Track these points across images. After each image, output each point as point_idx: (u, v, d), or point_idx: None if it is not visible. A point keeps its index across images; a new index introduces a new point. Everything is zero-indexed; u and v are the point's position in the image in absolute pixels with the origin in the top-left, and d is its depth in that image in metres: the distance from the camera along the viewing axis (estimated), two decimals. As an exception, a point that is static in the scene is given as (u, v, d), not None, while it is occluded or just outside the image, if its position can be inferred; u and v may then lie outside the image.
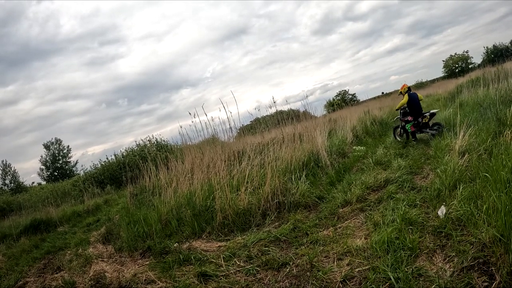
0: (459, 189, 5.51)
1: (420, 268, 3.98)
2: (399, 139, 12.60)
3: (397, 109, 12.53)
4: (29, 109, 66.54)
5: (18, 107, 65.80)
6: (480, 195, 4.93)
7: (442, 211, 5.23)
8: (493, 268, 3.62)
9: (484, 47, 55.29)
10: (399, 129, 12.79)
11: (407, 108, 12.20)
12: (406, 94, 12.04)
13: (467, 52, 57.15)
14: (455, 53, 58.41)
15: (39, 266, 8.36)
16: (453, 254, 4.10)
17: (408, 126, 11.99)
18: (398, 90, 12.66)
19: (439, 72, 60.10)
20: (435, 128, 11.66)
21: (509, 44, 52.81)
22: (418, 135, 12.26)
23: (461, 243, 4.24)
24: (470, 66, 54.48)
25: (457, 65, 56.92)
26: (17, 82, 65.76)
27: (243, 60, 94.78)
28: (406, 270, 3.94)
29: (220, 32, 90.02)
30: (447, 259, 4.08)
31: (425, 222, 5.13)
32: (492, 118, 8.93)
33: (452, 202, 5.24)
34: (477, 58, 57.91)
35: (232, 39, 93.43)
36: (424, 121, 11.84)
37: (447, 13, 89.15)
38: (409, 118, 12.01)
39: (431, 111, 12.10)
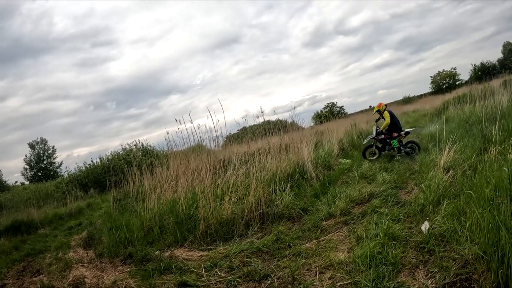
0: (443, 204, 5.55)
1: (402, 283, 3.97)
2: (370, 158, 12.39)
3: (381, 131, 12.34)
4: (16, 107, 65.67)
5: (5, 104, 64.86)
6: (463, 212, 4.97)
7: (425, 226, 5.24)
8: (475, 285, 3.63)
9: (471, 65, 55.92)
10: (373, 148, 12.63)
11: (380, 128, 12.25)
12: (387, 112, 12.08)
13: (454, 69, 57.77)
14: (443, 70, 59.02)
15: (18, 268, 8.23)
16: (436, 270, 4.10)
17: (394, 143, 11.97)
18: (383, 104, 12.47)
19: (427, 88, 60.46)
20: (408, 146, 11.86)
21: (497, 63, 53.50)
22: (384, 152, 12.34)
23: (443, 259, 4.25)
24: (457, 83, 54.99)
25: (444, 82, 57.45)
26: (7, 78, 64.81)
27: (233, 69, 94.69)
28: (388, 285, 3.94)
29: (211, 40, 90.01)
30: (430, 275, 4.08)
31: (408, 237, 5.12)
32: (477, 135, 9.04)
33: (436, 218, 5.27)
34: (464, 75, 58.41)
35: (223, 47, 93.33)
36: (399, 139, 11.93)
37: (436, 30, 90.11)
38: (394, 134, 12.01)
39: (406, 130, 12.26)
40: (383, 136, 12.19)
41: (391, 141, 12.06)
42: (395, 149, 11.94)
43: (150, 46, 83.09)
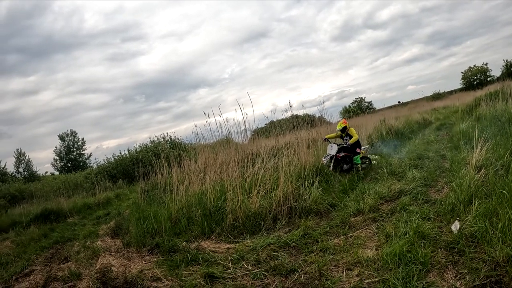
0: (474, 204, 5.40)
1: (431, 283, 3.92)
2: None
3: (349, 144, 11.50)
4: (48, 100, 66.90)
5: (38, 97, 66.25)
6: (495, 212, 4.84)
7: (456, 226, 5.15)
8: (506, 288, 3.55)
9: (503, 60, 54.20)
10: (330, 168, 10.84)
11: (347, 143, 11.54)
12: (353, 129, 11.38)
13: (486, 64, 56.27)
14: (474, 65, 57.58)
15: (47, 255, 8.44)
16: (465, 271, 4.04)
17: (357, 159, 11.35)
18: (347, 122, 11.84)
19: (457, 84, 59.16)
20: (362, 162, 11.53)
21: (530, 58, 51.86)
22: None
23: (474, 261, 4.17)
24: (488, 79, 53.52)
25: (475, 77, 56.07)
26: (39, 73, 66.13)
27: (262, 63, 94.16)
28: (417, 285, 3.89)
29: (240, 34, 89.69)
30: (459, 276, 4.02)
31: (438, 237, 5.06)
32: (510, 133, 8.80)
33: (467, 218, 5.15)
34: (496, 71, 56.70)
35: (252, 41, 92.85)
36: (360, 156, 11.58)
37: (467, 24, 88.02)
38: (358, 150, 11.39)
39: (364, 147, 12.11)
40: (343, 154, 11.20)
41: (354, 157, 11.39)
42: (358, 165, 11.37)
43: (179, 41, 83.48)
